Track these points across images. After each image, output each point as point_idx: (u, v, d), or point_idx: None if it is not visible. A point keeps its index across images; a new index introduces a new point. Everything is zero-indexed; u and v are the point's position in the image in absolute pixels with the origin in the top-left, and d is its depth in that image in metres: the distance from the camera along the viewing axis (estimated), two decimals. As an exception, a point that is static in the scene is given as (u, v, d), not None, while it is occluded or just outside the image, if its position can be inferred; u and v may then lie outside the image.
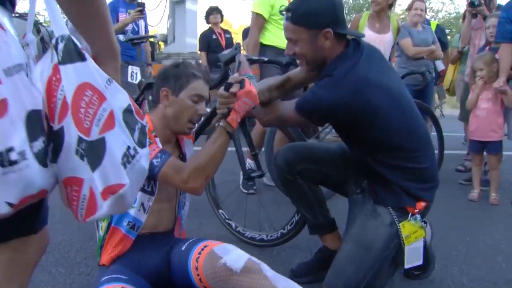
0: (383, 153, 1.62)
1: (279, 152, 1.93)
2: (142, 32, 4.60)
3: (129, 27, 4.51)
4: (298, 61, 1.73)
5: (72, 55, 0.78)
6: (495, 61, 3.33)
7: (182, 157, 1.76)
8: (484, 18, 4.00)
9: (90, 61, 0.81)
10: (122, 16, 4.49)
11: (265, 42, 3.41)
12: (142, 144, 0.88)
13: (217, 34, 5.91)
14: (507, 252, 2.35)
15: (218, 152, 1.55)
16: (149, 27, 5.16)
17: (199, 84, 1.66)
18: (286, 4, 3.38)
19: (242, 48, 2.04)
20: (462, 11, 24.33)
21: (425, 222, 1.70)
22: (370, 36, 3.60)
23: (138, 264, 1.61)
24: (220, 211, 2.44)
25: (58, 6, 0.81)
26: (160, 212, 1.68)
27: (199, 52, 6.17)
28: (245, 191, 3.21)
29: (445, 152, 5.28)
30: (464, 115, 3.95)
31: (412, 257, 1.67)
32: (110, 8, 4.49)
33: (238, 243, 2.30)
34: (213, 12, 6.06)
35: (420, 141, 1.66)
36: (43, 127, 0.77)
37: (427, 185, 1.67)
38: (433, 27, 4.42)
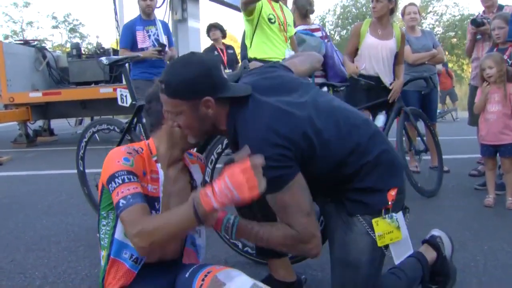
0: (335, 172, 1.49)
1: None
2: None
3: (150, 44, 4.51)
4: (185, 131, 1.55)
5: None
6: (504, 61, 3.26)
7: (192, 182, 1.71)
8: (489, 36, 3.93)
9: None
10: (139, 34, 4.48)
11: (259, 56, 3.35)
12: None
13: (219, 50, 5.91)
14: (528, 260, 2.25)
15: (174, 224, 1.34)
16: (150, 48, 5.15)
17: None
18: (272, 12, 3.36)
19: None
20: (466, 13, 24.34)
21: (407, 208, 1.58)
22: (372, 42, 3.55)
23: None
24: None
25: None
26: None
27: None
28: None
29: (458, 156, 5.24)
30: (474, 120, 3.85)
31: (400, 250, 1.54)
32: (126, 31, 4.50)
33: (247, 264, 2.25)
34: (212, 29, 6.08)
35: (359, 130, 1.52)
36: None
37: (390, 171, 1.53)
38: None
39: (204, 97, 1.42)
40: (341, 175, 1.50)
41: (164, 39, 4.56)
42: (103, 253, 1.58)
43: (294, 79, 1.67)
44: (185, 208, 1.31)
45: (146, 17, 4.56)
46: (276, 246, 1.54)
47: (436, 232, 1.96)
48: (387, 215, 1.50)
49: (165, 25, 4.76)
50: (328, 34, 4.33)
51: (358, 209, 1.52)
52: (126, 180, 1.47)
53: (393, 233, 1.51)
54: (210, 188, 1.26)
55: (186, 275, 1.52)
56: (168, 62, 4.83)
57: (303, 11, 4.13)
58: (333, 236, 1.59)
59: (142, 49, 4.44)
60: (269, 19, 3.33)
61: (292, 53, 3.51)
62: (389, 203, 1.50)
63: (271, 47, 3.36)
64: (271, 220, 1.89)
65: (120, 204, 1.42)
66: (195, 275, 1.48)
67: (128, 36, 4.49)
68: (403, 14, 4.48)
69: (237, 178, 1.21)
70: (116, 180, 1.47)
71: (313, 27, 4.14)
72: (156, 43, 4.51)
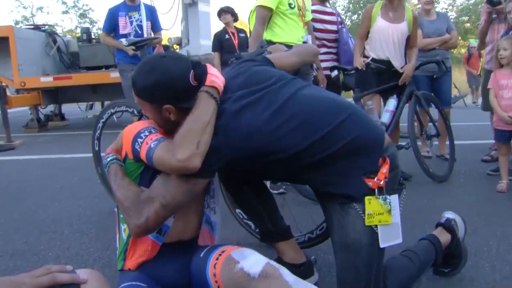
0: (300, 160, 1.47)
1: None
2: (145, 35, 4.58)
3: (132, 31, 4.52)
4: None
5: None
6: None
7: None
8: (505, 17, 3.82)
9: None
10: (121, 20, 4.50)
11: (275, 39, 3.31)
12: None
13: (230, 34, 5.86)
14: (542, 246, 2.23)
15: (201, 114, 1.39)
16: (162, 31, 5.14)
17: None
18: None
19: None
20: (480, -4, 23.92)
21: (403, 185, 1.57)
22: (383, 25, 3.48)
23: (159, 273, 1.57)
24: (238, 210, 2.34)
25: None
26: (185, 217, 1.61)
27: (213, 53, 6.14)
28: (275, 191, 3.04)
29: (471, 142, 5.18)
30: (487, 105, 3.79)
31: (388, 235, 1.51)
32: (108, 16, 4.51)
33: (259, 246, 2.24)
34: (222, 13, 6.02)
35: (324, 120, 1.47)
36: None
37: (368, 154, 1.48)
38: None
39: (165, 105, 1.43)
40: (308, 164, 1.47)
41: (146, 26, 4.57)
42: (124, 227, 1.58)
43: (265, 71, 1.61)
44: (200, 102, 1.42)
45: (130, 2, 4.55)
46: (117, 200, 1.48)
47: (450, 214, 1.95)
48: (381, 196, 1.47)
49: (151, 10, 4.73)
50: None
51: (349, 199, 1.50)
52: (153, 131, 1.49)
53: (383, 216, 1.48)
54: (211, 76, 1.46)
55: (201, 255, 1.53)
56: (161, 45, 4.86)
57: None
58: (331, 221, 1.58)
59: (124, 35, 4.45)
60: (289, 4, 3.28)
61: (309, 37, 3.47)
62: (382, 182, 1.47)
63: (287, 32, 3.31)
64: (272, 210, 1.93)
65: (152, 145, 1.41)
66: (209, 254, 1.49)
67: (110, 21, 4.53)
68: None
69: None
70: (142, 134, 1.47)
71: (327, 10, 4.07)
72: (138, 30, 4.52)
